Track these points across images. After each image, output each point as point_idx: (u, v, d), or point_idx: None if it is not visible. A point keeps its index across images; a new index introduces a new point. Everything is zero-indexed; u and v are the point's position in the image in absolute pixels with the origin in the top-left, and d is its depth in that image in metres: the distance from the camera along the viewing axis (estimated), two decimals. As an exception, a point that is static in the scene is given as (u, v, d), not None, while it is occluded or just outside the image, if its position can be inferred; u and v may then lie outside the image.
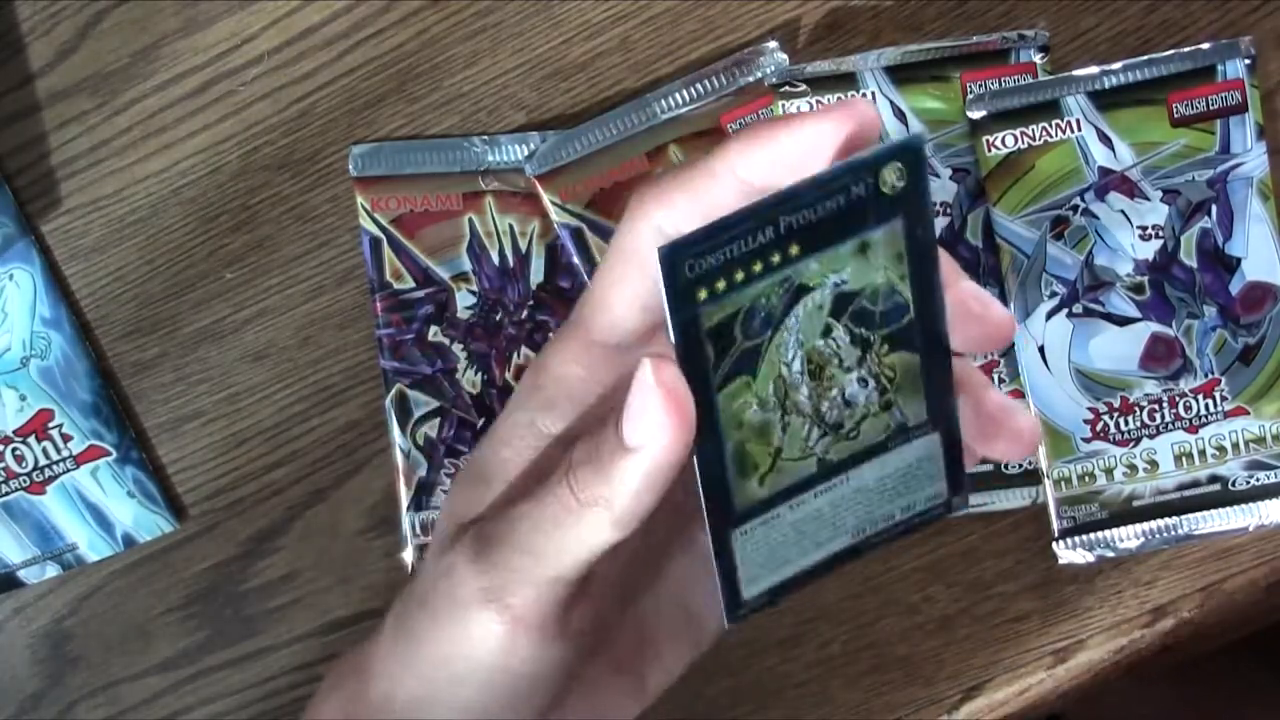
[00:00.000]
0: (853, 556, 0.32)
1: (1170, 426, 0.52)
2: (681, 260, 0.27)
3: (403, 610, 0.35)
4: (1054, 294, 0.52)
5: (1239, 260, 0.52)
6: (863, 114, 0.30)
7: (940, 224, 0.52)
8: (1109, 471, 0.52)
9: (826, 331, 0.29)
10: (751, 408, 0.29)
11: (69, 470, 0.54)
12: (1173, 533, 0.52)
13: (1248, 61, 0.51)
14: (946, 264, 0.31)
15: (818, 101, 0.52)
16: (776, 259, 0.28)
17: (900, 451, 0.31)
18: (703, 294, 0.28)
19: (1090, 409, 0.52)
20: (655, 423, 0.28)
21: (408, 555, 0.53)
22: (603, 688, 0.37)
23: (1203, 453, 0.52)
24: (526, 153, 0.52)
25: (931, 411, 0.31)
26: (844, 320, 0.29)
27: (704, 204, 0.30)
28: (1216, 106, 0.51)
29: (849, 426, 0.30)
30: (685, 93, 0.52)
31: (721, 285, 0.28)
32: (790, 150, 0.30)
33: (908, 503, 0.31)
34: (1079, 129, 0.51)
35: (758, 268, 0.28)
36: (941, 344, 0.30)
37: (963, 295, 0.31)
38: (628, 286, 0.31)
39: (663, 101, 0.52)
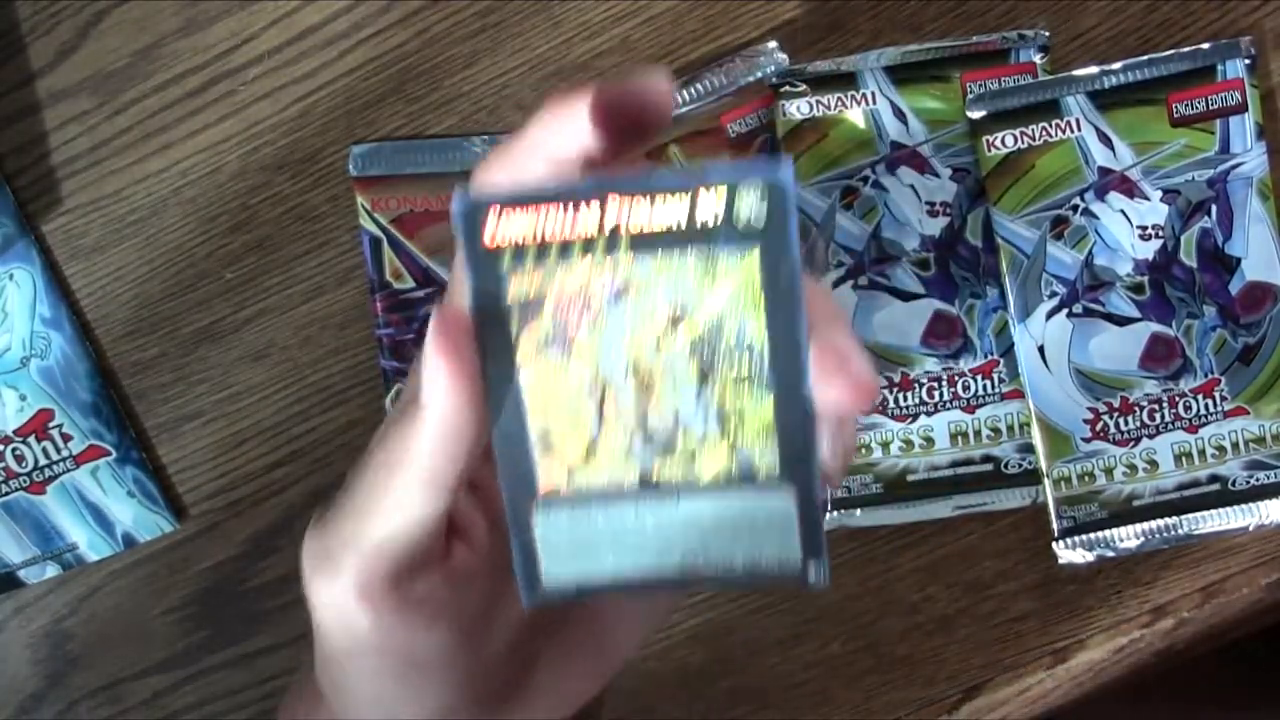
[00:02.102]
0: (682, 586, 0.30)
1: (1170, 426, 0.52)
2: (480, 216, 0.26)
3: None
4: (1054, 294, 0.52)
5: (1239, 260, 0.52)
6: (649, 85, 0.29)
7: (940, 224, 0.52)
8: (1109, 471, 0.52)
9: (659, 344, 0.28)
10: (562, 393, 0.28)
11: (69, 470, 0.54)
12: (1173, 533, 0.52)
13: (1248, 61, 0.51)
14: (819, 309, 0.29)
15: (817, 101, 0.52)
16: (600, 248, 0.27)
17: (744, 497, 0.29)
18: (507, 259, 0.27)
19: (1090, 409, 0.52)
20: (435, 374, 0.28)
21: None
22: (566, 664, 0.36)
23: (1202, 452, 0.52)
24: (526, 153, 0.52)
25: (785, 467, 0.28)
26: (680, 338, 0.28)
27: (522, 179, 0.30)
28: (1216, 106, 0.51)
29: (681, 451, 0.28)
30: (685, 93, 0.52)
31: (531, 257, 0.27)
32: (584, 122, 0.29)
33: (752, 555, 0.29)
34: (1079, 129, 0.51)
35: (577, 250, 0.27)
36: (800, 399, 0.28)
37: (823, 349, 0.28)
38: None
39: (663, 101, 0.52)
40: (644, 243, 0.27)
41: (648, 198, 0.26)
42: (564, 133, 0.30)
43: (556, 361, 0.28)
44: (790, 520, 0.29)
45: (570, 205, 0.26)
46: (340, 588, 0.31)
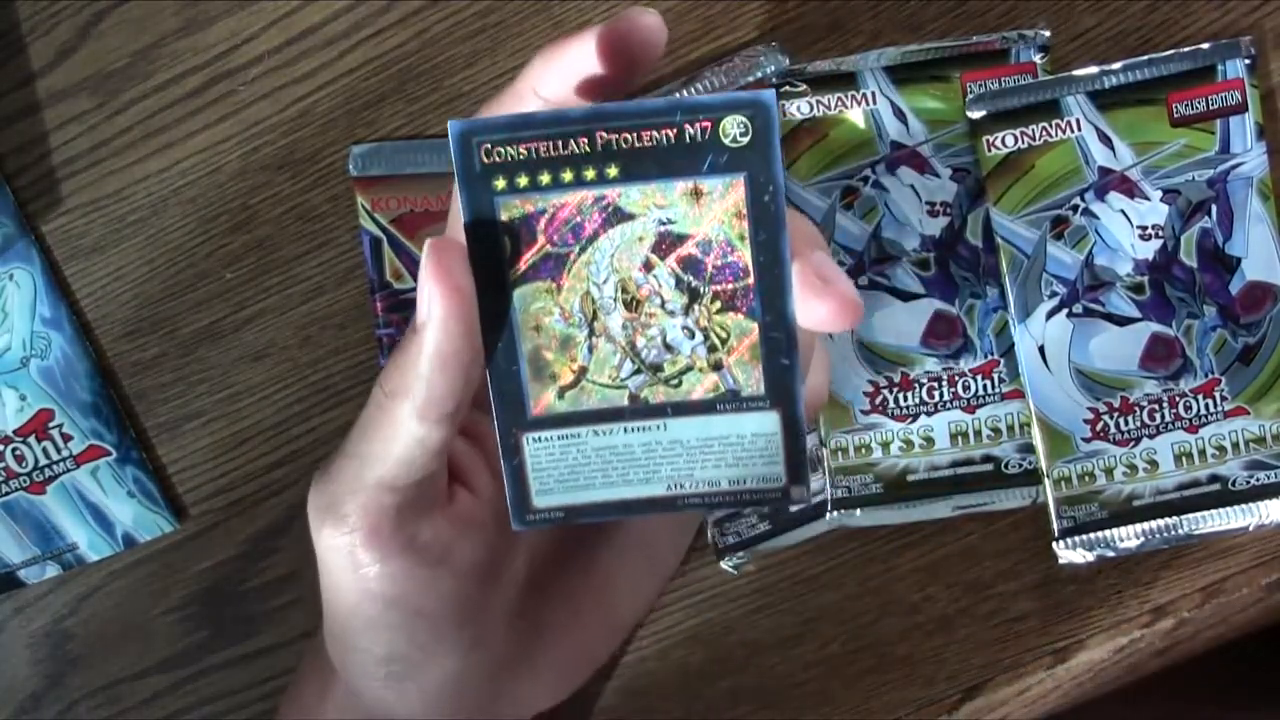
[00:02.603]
0: (670, 507, 0.31)
1: (1170, 426, 0.52)
2: (474, 141, 0.27)
3: None
4: (1054, 294, 0.52)
5: (1239, 260, 0.52)
6: (637, 23, 0.30)
7: (940, 224, 0.52)
8: (1109, 471, 0.52)
9: (647, 266, 0.29)
10: (553, 315, 0.29)
11: (69, 470, 0.54)
12: (1173, 532, 0.52)
13: (1248, 61, 0.51)
14: (800, 233, 0.30)
15: (817, 101, 0.52)
16: (590, 174, 0.28)
17: (730, 418, 0.30)
18: (500, 182, 0.27)
19: (1090, 409, 0.52)
20: (430, 296, 0.28)
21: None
22: (573, 630, 0.36)
23: (1203, 452, 0.52)
24: (526, 153, 0.52)
25: (770, 388, 0.29)
26: (668, 261, 0.29)
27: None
28: (1216, 106, 0.51)
29: (669, 372, 0.29)
30: (685, 93, 0.52)
31: (523, 180, 0.27)
32: (576, 63, 0.30)
33: (737, 475, 0.30)
34: (1079, 129, 0.51)
35: (567, 175, 0.27)
36: (785, 320, 0.29)
37: (806, 267, 0.29)
38: None
39: (663, 101, 0.52)
40: (631, 167, 0.27)
41: (635, 129, 0.27)
42: (554, 78, 0.31)
43: (547, 284, 0.29)
44: (775, 440, 0.30)
45: (561, 132, 0.27)
46: (347, 531, 0.31)
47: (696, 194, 0.28)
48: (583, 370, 0.29)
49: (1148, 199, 0.52)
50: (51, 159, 0.53)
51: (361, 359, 0.54)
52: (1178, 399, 0.52)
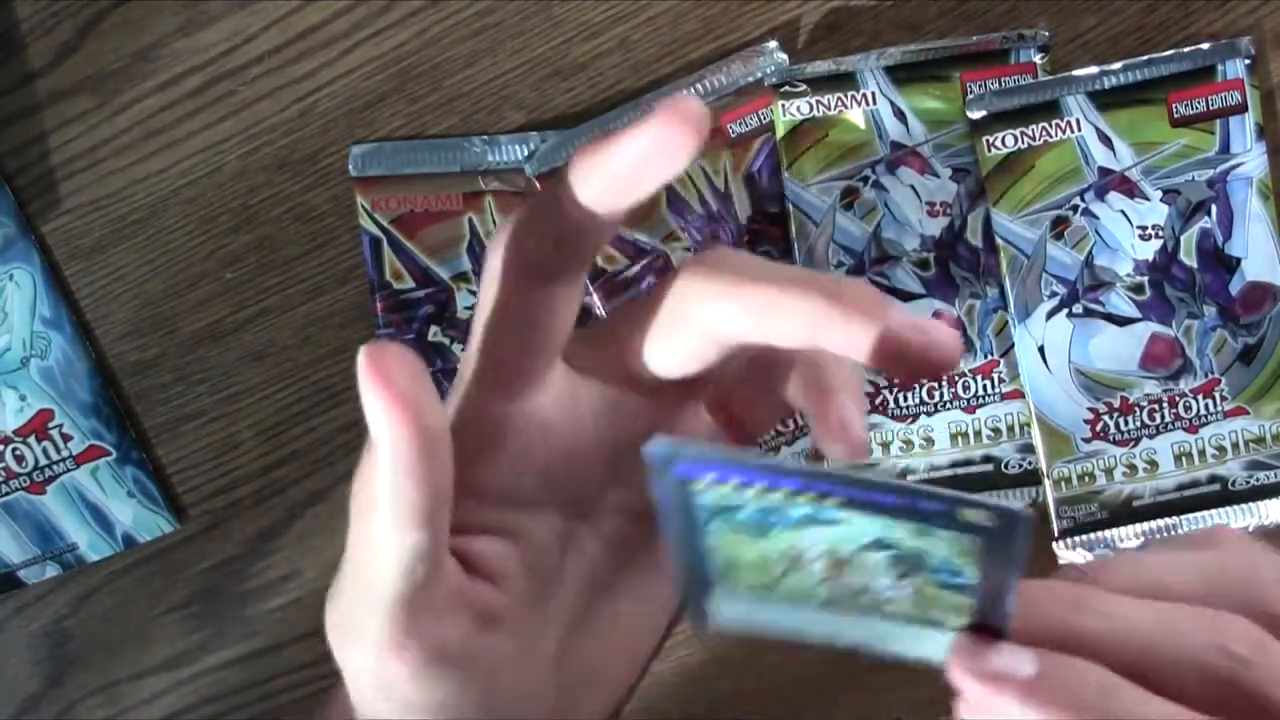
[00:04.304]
0: (846, 651, 0.31)
1: (1170, 426, 0.52)
2: (676, 466, 0.25)
3: None
4: (1054, 294, 0.52)
5: (1239, 260, 0.52)
6: (687, 112, 0.27)
7: (940, 224, 0.52)
8: (1109, 471, 0.52)
9: (859, 548, 0.27)
10: (750, 550, 0.28)
11: (69, 470, 0.54)
12: (1173, 533, 0.52)
13: (1248, 61, 0.51)
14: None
15: (817, 101, 0.52)
16: (803, 502, 0.26)
17: (924, 633, 0.29)
18: (700, 485, 0.26)
19: (1090, 409, 0.52)
20: (374, 410, 0.28)
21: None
22: (604, 676, 0.36)
23: (1202, 453, 0.52)
24: (527, 153, 0.52)
25: (974, 628, 0.29)
26: (884, 554, 0.27)
27: (557, 232, 0.29)
28: (1216, 106, 0.51)
29: (869, 600, 0.28)
30: (685, 93, 0.52)
31: (728, 491, 0.26)
32: (621, 170, 0.28)
33: (905, 651, 0.31)
34: (1079, 129, 0.51)
35: (776, 498, 0.26)
36: (1003, 616, 0.28)
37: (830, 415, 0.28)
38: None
39: (663, 101, 0.52)
40: (856, 510, 0.26)
41: (857, 497, 0.25)
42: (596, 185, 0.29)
43: (748, 540, 0.27)
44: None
45: (772, 482, 0.25)
46: (369, 648, 0.31)
47: (923, 533, 0.26)
48: (778, 580, 0.28)
49: (1147, 199, 0.52)
50: (51, 159, 0.53)
51: (361, 359, 0.54)
52: (1178, 399, 0.52)
